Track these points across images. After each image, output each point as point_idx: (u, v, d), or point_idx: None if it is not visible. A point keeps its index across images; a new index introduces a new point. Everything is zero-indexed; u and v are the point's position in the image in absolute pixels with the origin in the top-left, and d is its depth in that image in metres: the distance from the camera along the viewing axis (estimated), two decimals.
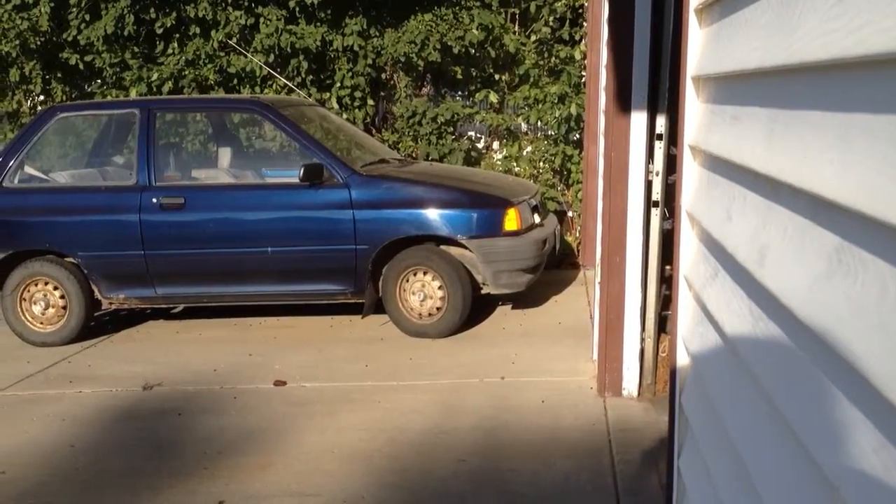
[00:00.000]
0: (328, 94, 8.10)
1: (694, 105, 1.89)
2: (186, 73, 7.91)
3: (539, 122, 8.04)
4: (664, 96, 3.95)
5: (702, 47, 1.82)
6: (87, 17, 7.94)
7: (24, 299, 5.79)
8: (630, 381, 4.23)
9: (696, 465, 1.78)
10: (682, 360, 1.95)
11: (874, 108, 0.87)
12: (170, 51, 8.06)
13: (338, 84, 8.06)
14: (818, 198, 1.00)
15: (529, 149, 8.12)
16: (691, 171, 1.93)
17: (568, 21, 8.01)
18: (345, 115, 7.96)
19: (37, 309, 5.78)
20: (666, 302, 4.32)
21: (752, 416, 1.34)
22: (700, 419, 1.75)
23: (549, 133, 8.11)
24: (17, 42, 7.91)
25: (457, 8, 8.23)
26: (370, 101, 8.21)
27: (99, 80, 8.37)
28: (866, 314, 0.86)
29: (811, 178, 1.03)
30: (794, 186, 1.10)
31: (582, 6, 7.83)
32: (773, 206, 1.25)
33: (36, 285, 5.78)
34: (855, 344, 0.88)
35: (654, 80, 3.95)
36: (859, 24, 0.89)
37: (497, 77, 8.45)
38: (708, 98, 1.79)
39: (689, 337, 1.86)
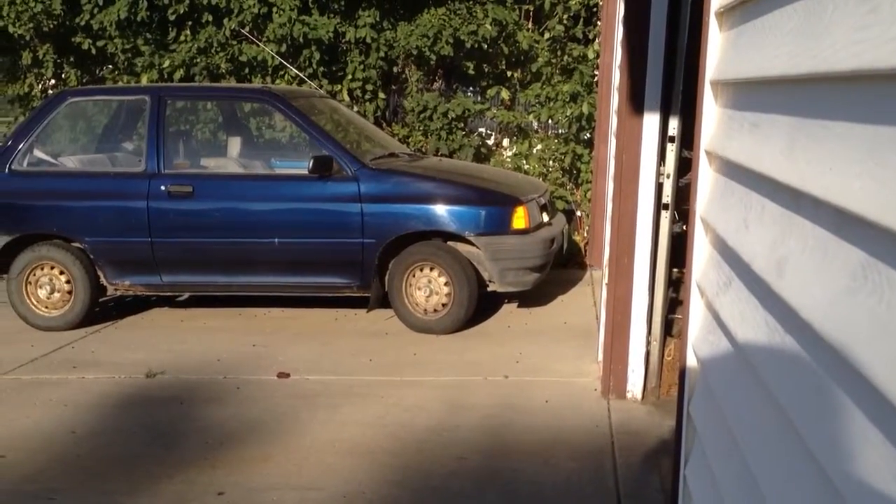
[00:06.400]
0: (339, 86, 8.07)
1: (711, 110, 1.86)
2: (198, 60, 7.88)
3: (550, 121, 8.01)
4: (678, 98, 3.92)
5: (721, 51, 1.79)
6: (101, 2, 7.91)
7: (30, 283, 5.78)
8: (635, 383, 4.21)
9: (703, 474, 1.76)
10: (692, 367, 1.93)
11: None
12: (182, 38, 8.04)
13: (349, 76, 8.03)
14: (844, 211, 0.98)
15: (539, 147, 8.09)
16: (706, 177, 1.90)
17: (582, 19, 7.97)
18: (355, 108, 7.94)
19: (42, 293, 5.78)
20: (672, 305, 4.30)
21: (763, 429, 1.32)
22: (709, 428, 1.73)
23: (560, 132, 8.08)
24: (31, 25, 7.90)
25: (470, 2, 8.19)
26: (381, 95, 8.17)
27: (111, 66, 8.36)
28: (891, 334, 0.84)
29: (836, 190, 1.01)
30: (817, 198, 1.08)
31: (596, 5, 7.78)
32: (793, 217, 1.22)
33: (42, 269, 5.78)
34: (876, 364, 0.86)
35: (668, 82, 3.92)
36: (894, 35, 0.87)
37: (509, 74, 8.42)
38: (726, 103, 1.77)
39: (700, 344, 1.84)
